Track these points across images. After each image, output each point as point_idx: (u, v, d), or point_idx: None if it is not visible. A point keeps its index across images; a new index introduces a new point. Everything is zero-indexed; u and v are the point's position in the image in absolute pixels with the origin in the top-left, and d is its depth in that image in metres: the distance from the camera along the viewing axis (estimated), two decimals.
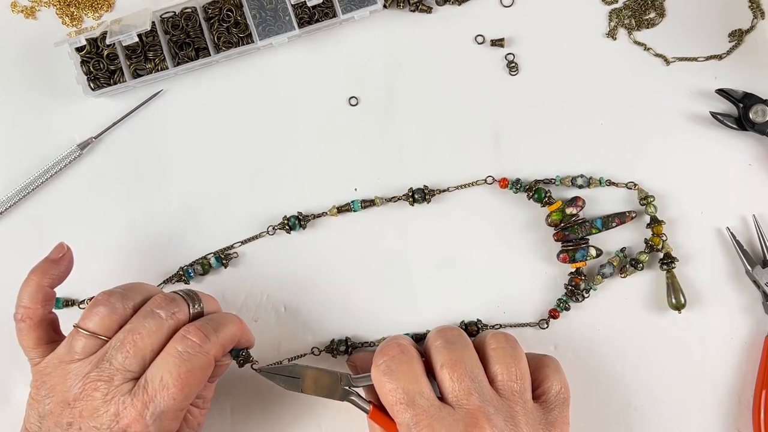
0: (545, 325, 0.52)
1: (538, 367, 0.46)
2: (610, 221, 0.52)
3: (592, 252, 0.52)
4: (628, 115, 0.54)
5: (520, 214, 0.53)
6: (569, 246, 0.52)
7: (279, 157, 0.54)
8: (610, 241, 0.53)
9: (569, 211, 0.52)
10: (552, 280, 0.53)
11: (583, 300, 0.52)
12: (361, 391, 0.47)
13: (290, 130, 0.54)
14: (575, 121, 0.54)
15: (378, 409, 0.45)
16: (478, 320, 0.52)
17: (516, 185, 0.53)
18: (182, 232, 0.54)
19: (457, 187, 0.53)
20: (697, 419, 0.52)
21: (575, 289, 0.52)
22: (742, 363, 0.52)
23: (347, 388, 0.46)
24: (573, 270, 0.52)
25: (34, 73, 0.55)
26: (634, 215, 0.52)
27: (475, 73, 0.54)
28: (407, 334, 0.52)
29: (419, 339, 0.52)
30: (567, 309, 0.52)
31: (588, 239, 0.52)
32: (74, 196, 0.54)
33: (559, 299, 0.53)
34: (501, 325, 0.53)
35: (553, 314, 0.52)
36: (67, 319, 0.53)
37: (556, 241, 0.52)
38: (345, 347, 0.51)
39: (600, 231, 0.52)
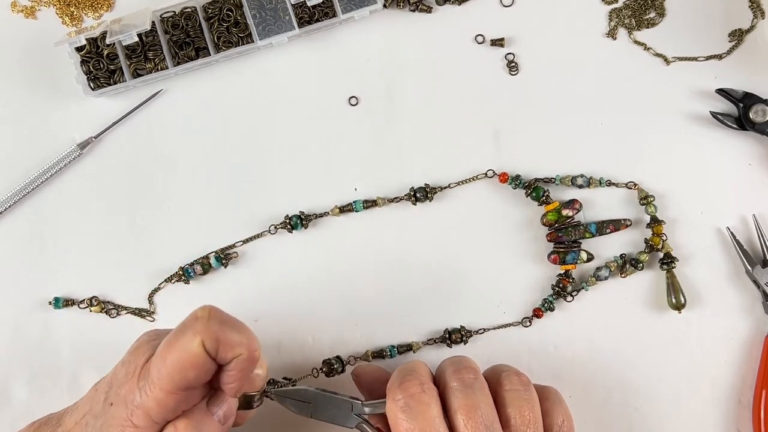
0: (528, 324, 0.52)
1: (540, 400, 0.44)
2: (604, 227, 0.52)
3: (583, 256, 0.52)
4: (628, 115, 0.54)
5: (519, 212, 0.53)
6: (561, 248, 0.52)
7: (279, 156, 0.54)
8: (610, 241, 0.53)
9: (565, 212, 0.52)
10: (553, 280, 0.53)
11: (572, 300, 0.52)
12: (370, 419, 0.45)
13: (290, 130, 0.54)
14: (575, 120, 0.54)
15: None
16: (462, 327, 0.52)
17: (516, 181, 0.53)
18: (182, 231, 0.54)
19: (458, 183, 0.53)
20: (697, 419, 0.52)
21: (562, 291, 0.52)
22: (742, 363, 0.52)
23: (357, 415, 0.45)
24: (562, 272, 0.52)
25: (34, 73, 0.55)
26: (629, 223, 0.52)
27: (475, 73, 0.54)
28: (393, 347, 0.52)
29: (402, 351, 0.52)
30: (551, 309, 0.52)
31: (580, 243, 0.52)
32: (74, 196, 0.54)
33: (544, 299, 0.53)
34: (481, 331, 0.52)
35: (537, 313, 0.52)
36: (66, 320, 0.53)
37: (549, 241, 0.52)
38: (341, 365, 0.51)
39: (593, 236, 0.52)
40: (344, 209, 0.53)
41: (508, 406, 0.42)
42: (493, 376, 0.44)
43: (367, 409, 0.44)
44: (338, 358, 0.52)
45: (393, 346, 0.52)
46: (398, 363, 0.48)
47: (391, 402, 0.42)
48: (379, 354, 0.52)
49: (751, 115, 0.52)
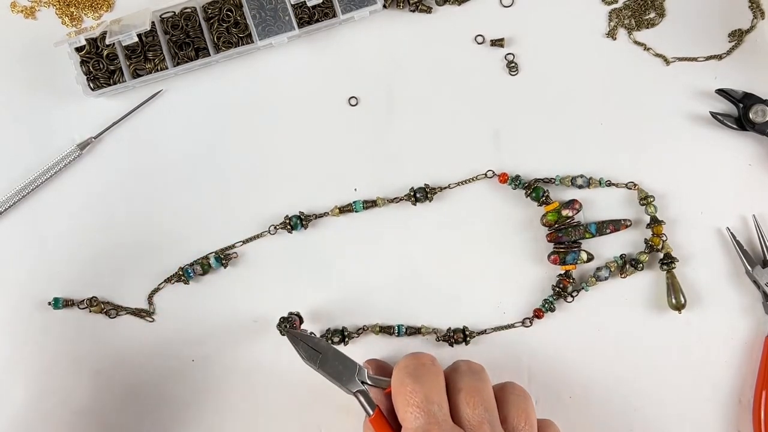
0: (529, 324, 0.53)
1: (540, 427, 0.45)
2: (604, 227, 0.52)
3: (583, 256, 0.52)
4: (628, 115, 0.54)
5: (519, 213, 0.53)
6: (561, 248, 0.52)
7: (278, 157, 0.54)
8: (610, 241, 0.53)
9: (565, 213, 0.52)
10: (552, 281, 0.53)
11: (572, 301, 0.52)
12: (370, 392, 0.46)
13: (290, 130, 0.54)
14: (575, 121, 0.54)
15: (381, 415, 0.44)
16: (465, 327, 0.52)
17: (515, 181, 0.53)
18: (182, 232, 0.54)
19: (458, 183, 0.53)
20: (697, 419, 0.52)
21: (562, 291, 0.52)
22: (742, 363, 0.52)
23: (361, 382, 0.45)
24: (562, 272, 0.52)
25: (34, 73, 0.54)
26: (629, 224, 0.52)
27: (475, 73, 0.54)
28: (400, 326, 0.52)
29: (412, 333, 0.52)
30: (552, 310, 0.52)
31: (580, 243, 0.52)
32: (74, 196, 0.54)
33: (544, 300, 0.53)
34: (485, 331, 0.52)
35: (537, 314, 0.52)
36: (66, 320, 0.53)
37: (549, 242, 0.52)
38: (341, 336, 0.52)
39: (594, 236, 0.52)
40: (344, 209, 0.53)
41: (509, 406, 0.44)
42: (498, 385, 0.46)
43: (371, 381, 0.45)
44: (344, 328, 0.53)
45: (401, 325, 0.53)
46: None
47: (401, 369, 0.43)
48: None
49: (751, 116, 0.52)
